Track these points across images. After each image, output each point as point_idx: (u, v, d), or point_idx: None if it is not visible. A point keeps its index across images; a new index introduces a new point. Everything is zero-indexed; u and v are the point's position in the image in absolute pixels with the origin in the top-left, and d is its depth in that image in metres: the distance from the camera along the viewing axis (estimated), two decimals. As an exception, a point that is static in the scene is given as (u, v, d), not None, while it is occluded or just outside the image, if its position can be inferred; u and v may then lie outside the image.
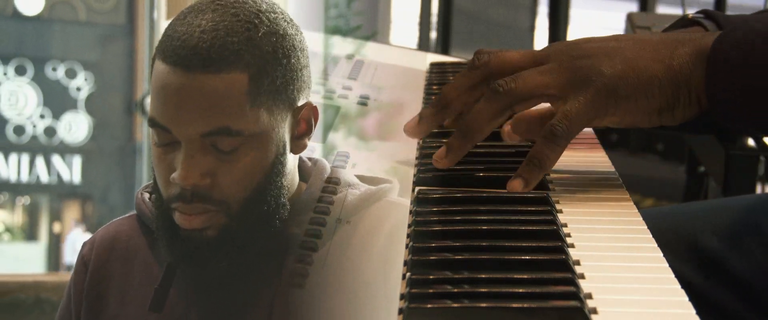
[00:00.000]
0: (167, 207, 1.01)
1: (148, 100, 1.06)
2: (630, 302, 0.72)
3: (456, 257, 0.79)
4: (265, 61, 0.99)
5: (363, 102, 1.25)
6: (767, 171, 1.89)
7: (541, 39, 4.15)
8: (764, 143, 1.87)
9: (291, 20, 1.03)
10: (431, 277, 0.75)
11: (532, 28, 4.41)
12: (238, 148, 0.99)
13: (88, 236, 1.17)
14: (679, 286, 0.74)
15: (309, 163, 1.09)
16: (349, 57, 1.41)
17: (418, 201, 0.91)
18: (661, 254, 0.80)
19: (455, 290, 0.73)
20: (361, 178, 1.09)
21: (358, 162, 1.10)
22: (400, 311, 0.72)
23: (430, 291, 0.73)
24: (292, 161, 1.04)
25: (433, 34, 4.21)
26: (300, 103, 1.02)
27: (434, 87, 1.30)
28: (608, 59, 0.92)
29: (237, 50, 0.98)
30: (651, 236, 0.84)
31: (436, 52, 3.85)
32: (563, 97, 0.92)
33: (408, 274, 0.76)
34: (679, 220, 1.15)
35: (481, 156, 1.00)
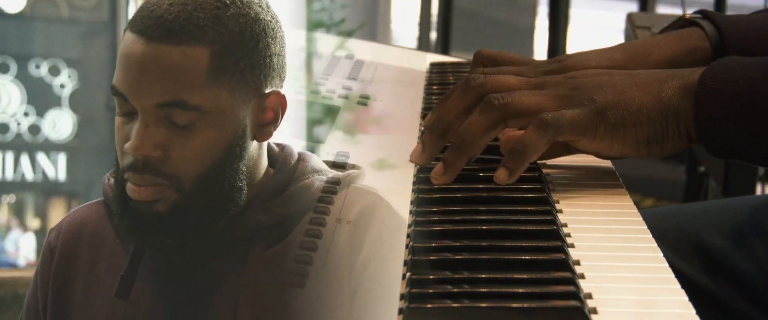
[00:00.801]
0: (121, 177, 1.01)
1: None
2: (630, 302, 0.72)
3: (456, 257, 0.79)
4: (230, 41, 0.99)
5: (363, 102, 1.25)
6: (767, 171, 1.89)
7: (541, 39, 4.15)
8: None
9: (268, 7, 1.03)
10: (431, 277, 0.75)
11: (532, 28, 4.42)
12: (193, 123, 0.99)
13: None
14: (679, 286, 0.74)
15: (277, 149, 1.09)
16: (349, 57, 1.41)
17: (418, 201, 0.91)
18: (661, 254, 0.80)
19: (455, 290, 0.73)
20: (329, 164, 1.09)
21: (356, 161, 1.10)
22: (400, 311, 0.72)
23: (430, 291, 0.73)
24: (256, 148, 1.04)
25: (433, 34, 4.22)
26: (267, 90, 1.03)
27: (434, 87, 1.30)
28: (600, 90, 0.94)
29: (201, 25, 0.98)
30: (651, 236, 0.84)
31: (436, 52, 3.85)
32: None
33: (408, 274, 0.76)
34: (682, 220, 1.15)
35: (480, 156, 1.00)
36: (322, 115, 1.20)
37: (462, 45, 4.05)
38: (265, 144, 1.06)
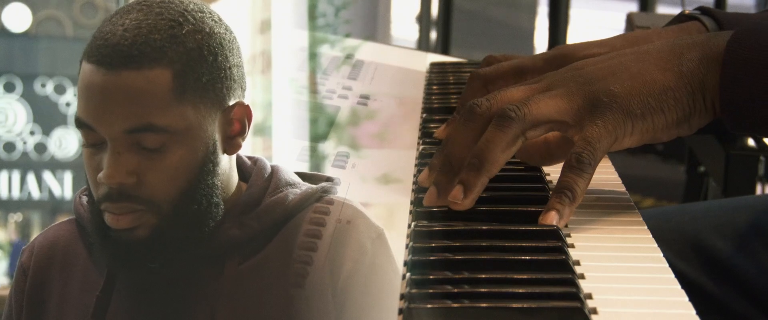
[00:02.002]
0: (98, 208, 1.01)
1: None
2: (630, 302, 0.72)
3: (456, 257, 0.79)
4: (189, 58, 0.99)
5: (363, 102, 1.25)
6: (767, 171, 1.89)
7: (541, 39, 4.15)
8: (764, 143, 1.87)
9: (220, 20, 1.03)
10: (431, 277, 0.75)
11: (532, 28, 4.42)
12: (164, 144, 0.98)
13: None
14: (679, 286, 0.74)
15: (249, 163, 1.08)
16: (349, 57, 1.41)
17: (419, 201, 0.91)
18: (661, 254, 0.80)
19: (455, 290, 0.73)
20: (303, 176, 1.09)
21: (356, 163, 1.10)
22: (400, 311, 0.72)
23: (430, 291, 0.73)
24: (226, 161, 1.04)
25: (433, 34, 4.21)
26: (231, 102, 1.02)
27: (434, 87, 1.30)
28: (615, 78, 0.87)
29: (159, 46, 0.98)
30: (651, 236, 0.84)
31: (436, 52, 3.85)
32: (578, 124, 0.86)
33: (408, 274, 0.76)
34: (683, 220, 1.15)
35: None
36: (324, 120, 1.20)
37: (462, 45, 4.05)
38: (234, 158, 1.06)
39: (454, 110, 1.16)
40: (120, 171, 0.98)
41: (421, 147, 1.07)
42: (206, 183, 1.01)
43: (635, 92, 0.86)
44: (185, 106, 0.99)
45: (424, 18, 4.29)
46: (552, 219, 0.84)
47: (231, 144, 1.03)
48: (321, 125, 1.23)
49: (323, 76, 1.32)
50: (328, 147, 1.11)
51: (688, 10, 1.12)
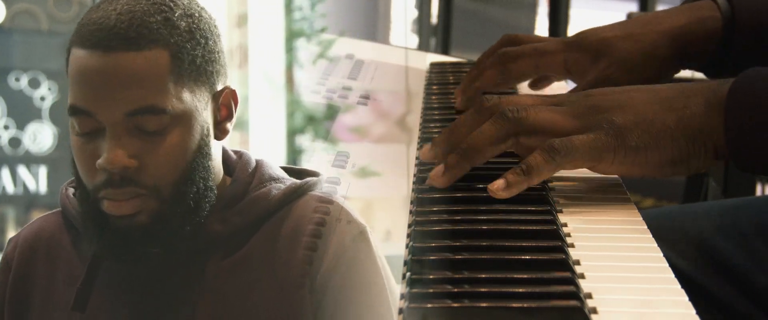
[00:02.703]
0: (94, 198, 1.00)
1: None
2: (630, 302, 0.72)
3: (456, 257, 0.79)
4: (184, 40, 0.99)
5: (363, 102, 1.25)
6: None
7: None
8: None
9: (203, 7, 1.04)
10: (431, 277, 0.75)
11: (532, 28, 4.41)
12: (164, 127, 0.98)
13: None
14: (679, 286, 0.74)
15: (234, 157, 1.08)
16: (349, 57, 1.41)
17: (418, 201, 0.91)
18: (662, 254, 0.80)
19: (455, 290, 0.73)
20: (288, 170, 1.08)
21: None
22: (400, 311, 0.72)
23: (430, 291, 0.73)
24: (216, 147, 1.04)
25: (433, 34, 4.21)
26: (219, 87, 1.03)
27: (434, 87, 1.30)
28: (620, 110, 0.89)
29: (156, 29, 0.98)
30: (651, 236, 0.84)
31: (436, 52, 3.85)
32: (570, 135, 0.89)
33: (408, 274, 0.76)
34: (683, 220, 1.15)
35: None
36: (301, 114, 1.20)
37: (462, 45, 4.04)
38: (220, 149, 1.06)
39: (455, 109, 1.16)
40: (121, 155, 0.97)
41: (420, 147, 1.07)
42: (202, 165, 1.01)
43: (634, 126, 0.88)
44: (183, 88, 0.99)
45: (424, 18, 4.29)
46: (499, 185, 0.87)
47: (220, 128, 1.04)
48: (297, 119, 1.23)
49: (323, 76, 1.32)
50: (305, 140, 1.11)
51: None
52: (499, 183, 0.88)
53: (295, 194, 1.04)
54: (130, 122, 0.97)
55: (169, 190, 1.00)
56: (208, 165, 1.02)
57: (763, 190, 1.91)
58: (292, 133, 1.15)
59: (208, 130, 1.02)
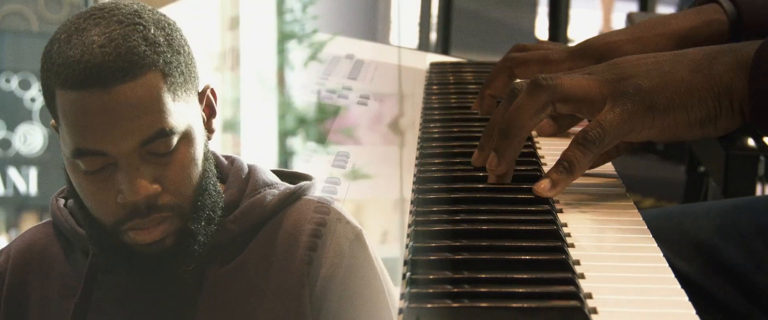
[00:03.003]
0: (115, 231, 0.99)
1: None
2: (630, 302, 0.72)
3: (456, 257, 0.79)
4: (167, 55, 0.98)
5: (363, 102, 1.25)
6: (767, 171, 1.89)
7: (541, 39, 4.14)
8: (764, 143, 1.87)
9: (163, 14, 1.03)
10: (431, 277, 0.75)
11: (532, 28, 4.41)
12: (174, 147, 0.98)
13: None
14: (679, 286, 0.74)
15: (226, 162, 1.08)
16: (349, 57, 1.41)
17: (418, 201, 0.91)
18: (661, 254, 0.80)
19: (455, 290, 0.73)
20: (280, 174, 1.08)
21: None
22: (400, 311, 0.72)
23: (430, 291, 0.73)
24: (209, 147, 1.05)
25: (433, 34, 4.21)
26: (201, 88, 1.03)
27: (434, 87, 1.30)
28: (647, 74, 0.90)
29: (142, 52, 0.96)
30: (651, 236, 0.84)
31: (436, 52, 3.85)
32: (600, 108, 0.90)
33: (408, 274, 0.76)
34: (682, 220, 1.15)
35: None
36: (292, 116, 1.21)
37: (462, 45, 4.04)
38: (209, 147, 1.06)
39: (455, 109, 1.16)
40: (144, 184, 0.96)
41: (420, 148, 1.07)
42: (210, 170, 1.02)
43: (661, 88, 0.89)
44: (179, 104, 0.98)
45: (424, 18, 4.29)
46: (545, 186, 0.87)
47: (208, 128, 1.04)
48: (288, 121, 1.23)
49: (324, 76, 1.32)
50: (296, 142, 1.11)
51: None
52: (545, 183, 0.88)
53: (290, 199, 1.04)
54: (142, 151, 0.97)
55: (189, 205, 0.99)
56: (211, 168, 1.02)
57: (763, 190, 1.91)
58: (284, 135, 1.15)
59: (204, 135, 1.02)
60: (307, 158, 1.12)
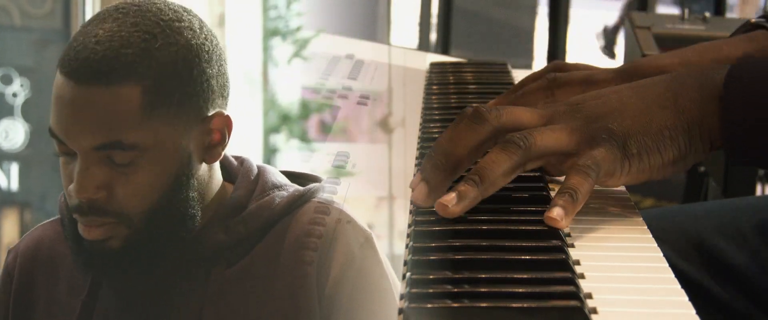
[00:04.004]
0: (71, 217, 1.00)
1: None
2: (630, 302, 0.72)
3: (456, 257, 0.79)
4: (161, 74, 0.96)
5: (363, 102, 1.25)
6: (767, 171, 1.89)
7: (541, 39, 4.15)
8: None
9: (201, 28, 0.99)
10: (431, 277, 0.75)
11: (532, 28, 4.41)
12: (134, 161, 0.96)
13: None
14: (679, 286, 0.74)
15: (235, 163, 1.07)
16: (349, 57, 1.41)
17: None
18: (662, 254, 0.80)
19: (455, 290, 0.73)
20: (289, 175, 1.07)
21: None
22: (400, 311, 0.72)
23: (430, 291, 0.73)
24: (205, 170, 1.02)
25: (433, 34, 4.21)
26: (210, 113, 1.00)
27: (434, 87, 1.30)
28: (614, 116, 0.86)
29: (129, 62, 0.95)
30: (651, 236, 0.84)
31: (436, 52, 3.85)
32: (577, 154, 0.86)
33: (408, 274, 0.76)
34: (683, 220, 1.15)
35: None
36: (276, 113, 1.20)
37: (462, 45, 4.04)
38: (215, 166, 1.04)
39: (455, 109, 1.16)
40: (88, 186, 0.96)
41: (420, 148, 1.07)
42: (180, 197, 0.99)
43: (633, 132, 0.85)
44: (156, 122, 0.96)
45: (424, 18, 4.29)
46: (557, 214, 0.82)
47: (211, 153, 1.02)
48: (272, 118, 1.23)
49: (324, 76, 1.32)
50: (280, 140, 1.10)
51: (754, 18, 1.10)
52: (557, 212, 0.83)
53: (298, 202, 1.03)
54: (99, 154, 0.96)
55: (141, 219, 0.98)
56: (187, 195, 0.99)
57: (763, 190, 1.91)
58: (267, 132, 1.15)
59: (189, 159, 0.99)
60: (291, 155, 1.11)
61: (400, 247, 0.96)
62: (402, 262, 0.81)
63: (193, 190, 1.00)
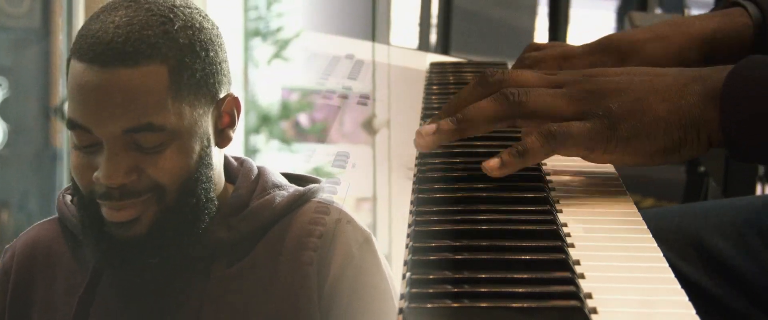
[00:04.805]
0: (90, 201, 0.99)
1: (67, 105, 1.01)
2: (630, 302, 0.72)
3: (456, 257, 0.79)
4: (183, 54, 0.97)
5: (363, 102, 1.25)
6: (767, 171, 1.89)
7: (541, 39, 4.15)
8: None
9: (206, 15, 1.02)
10: (431, 277, 0.75)
11: (532, 28, 4.41)
12: (162, 143, 0.97)
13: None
14: (679, 286, 0.74)
15: (235, 163, 1.07)
16: (349, 57, 1.41)
17: (418, 201, 0.91)
18: (661, 254, 0.80)
19: (455, 290, 0.73)
20: (288, 176, 1.08)
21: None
22: (400, 311, 0.72)
23: (430, 291, 0.73)
24: (218, 156, 1.03)
25: (433, 34, 4.21)
26: (222, 95, 1.02)
27: (434, 87, 1.30)
28: (617, 97, 0.90)
29: (154, 43, 0.96)
30: (651, 236, 0.84)
31: (436, 52, 3.85)
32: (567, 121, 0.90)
33: (408, 274, 0.76)
34: (683, 220, 1.15)
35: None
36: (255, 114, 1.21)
37: (462, 45, 4.04)
38: (222, 156, 1.05)
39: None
40: (119, 171, 0.96)
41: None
42: (204, 177, 1.00)
43: (629, 115, 0.89)
44: (182, 104, 0.97)
45: (424, 18, 4.29)
46: (493, 163, 0.89)
47: (222, 136, 1.03)
48: (251, 119, 1.23)
49: (324, 76, 1.32)
50: (259, 140, 1.10)
51: (691, 11, 1.14)
52: (494, 161, 0.90)
53: (299, 201, 1.04)
54: (127, 138, 0.96)
55: (172, 194, 0.99)
56: (209, 176, 1.01)
57: (763, 190, 1.92)
58: (248, 133, 1.16)
59: (208, 140, 1.01)
60: (271, 156, 1.11)
61: (383, 248, 1.00)
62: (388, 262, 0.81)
63: (213, 173, 1.01)
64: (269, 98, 1.29)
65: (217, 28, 1.02)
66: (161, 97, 0.96)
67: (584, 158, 0.91)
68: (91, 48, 0.96)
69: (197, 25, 0.99)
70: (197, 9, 1.01)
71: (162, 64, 0.97)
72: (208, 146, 1.00)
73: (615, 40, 1.10)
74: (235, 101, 1.02)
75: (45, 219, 1.11)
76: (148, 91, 0.96)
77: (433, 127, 0.93)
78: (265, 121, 1.22)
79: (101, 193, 0.98)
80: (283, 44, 1.52)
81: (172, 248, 1.00)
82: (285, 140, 1.15)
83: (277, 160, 1.07)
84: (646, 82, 0.91)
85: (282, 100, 1.25)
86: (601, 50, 1.11)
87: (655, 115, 0.89)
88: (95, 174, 0.97)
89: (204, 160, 1.00)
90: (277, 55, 1.43)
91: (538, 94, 0.90)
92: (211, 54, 1.00)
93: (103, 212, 0.99)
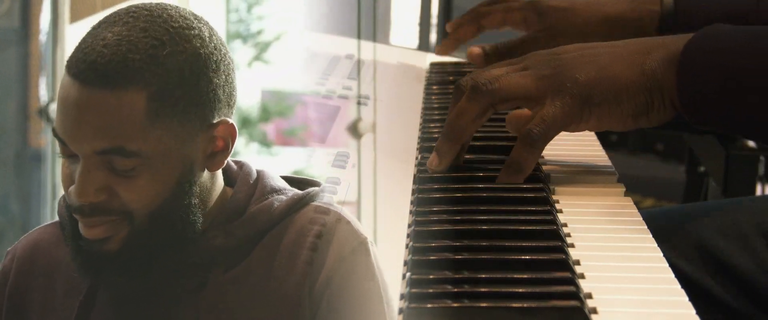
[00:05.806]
0: (71, 215, 0.99)
1: (53, 106, 1.01)
2: (630, 302, 0.72)
3: (456, 257, 0.79)
4: (167, 81, 0.95)
5: (363, 102, 1.25)
6: (767, 171, 1.89)
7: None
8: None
9: (210, 38, 0.98)
10: (431, 277, 0.75)
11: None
12: (135, 168, 0.96)
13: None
14: (679, 286, 0.74)
15: (234, 167, 1.06)
16: (349, 57, 1.41)
17: (418, 201, 0.91)
18: (661, 254, 0.80)
19: (455, 290, 0.73)
20: (288, 180, 1.07)
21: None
22: (400, 311, 0.72)
23: (430, 291, 0.73)
24: (208, 176, 1.02)
25: (433, 34, 4.21)
26: (215, 120, 1.00)
27: (434, 87, 1.30)
28: (584, 68, 0.95)
29: (136, 68, 0.94)
30: (651, 236, 0.84)
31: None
32: (540, 102, 0.94)
33: (408, 274, 0.76)
34: (683, 220, 1.15)
35: (480, 159, 1.00)
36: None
37: (462, 45, 4.04)
38: (217, 173, 1.04)
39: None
40: (89, 189, 0.96)
41: (420, 149, 1.07)
42: (181, 203, 0.98)
43: (596, 83, 0.94)
44: (160, 130, 0.96)
45: (424, 18, 4.29)
46: (499, 184, 0.93)
47: (213, 161, 1.01)
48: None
49: (324, 76, 1.32)
50: (240, 143, 1.08)
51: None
52: (498, 181, 0.94)
53: (297, 205, 1.03)
54: (102, 157, 0.96)
55: (143, 219, 0.98)
56: (188, 202, 0.99)
57: (763, 190, 1.91)
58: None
59: (191, 166, 0.99)
60: (251, 159, 1.10)
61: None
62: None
63: (194, 197, 0.99)
64: (249, 101, 1.28)
65: (221, 51, 0.99)
66: (137, 122, 0.95)
67: (567, 130, 0.96)
68: (77, 64, 0.95)
69: (190, 52, 0.96)
70: (200, 30, 0.98)
71: (142, 89, 0.95)
72: (191, 171, 0.99)
73: (542, 3, 1.26)
74: (230, 128, 1.00)
75: (47, 223, 1.11)
76: (123, 115, 0.95)
77: (433, 154, 0.97)
78: (244, 123, 1.21)
79: (74, 208, 0.98)
80: (264, 47, 1.52)
81: (145, 266, 0.99)
82: (265, 143, 1.14)
83: (256, 163, 1.06)
84: (609, 52, 0.96)
85: (262, 102, 1.25)
86: (532, 8, 1.29)
87: (620, 81, 0.94)
88: (70, 187, 0.97)
89: (183, 186, 0.98)
90: (257, 58, 1.43)
91: (508, 79, 0.95)
92: (202, 82, 0.97)
93: (79, 226, 0.99)
